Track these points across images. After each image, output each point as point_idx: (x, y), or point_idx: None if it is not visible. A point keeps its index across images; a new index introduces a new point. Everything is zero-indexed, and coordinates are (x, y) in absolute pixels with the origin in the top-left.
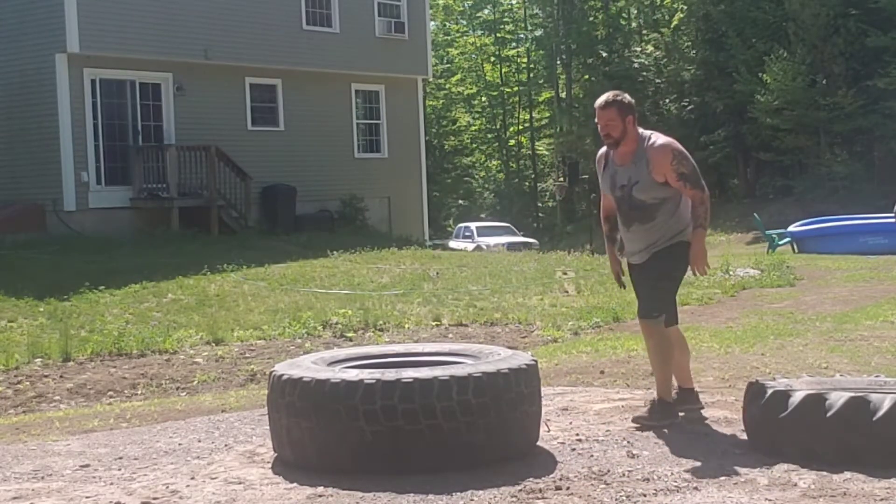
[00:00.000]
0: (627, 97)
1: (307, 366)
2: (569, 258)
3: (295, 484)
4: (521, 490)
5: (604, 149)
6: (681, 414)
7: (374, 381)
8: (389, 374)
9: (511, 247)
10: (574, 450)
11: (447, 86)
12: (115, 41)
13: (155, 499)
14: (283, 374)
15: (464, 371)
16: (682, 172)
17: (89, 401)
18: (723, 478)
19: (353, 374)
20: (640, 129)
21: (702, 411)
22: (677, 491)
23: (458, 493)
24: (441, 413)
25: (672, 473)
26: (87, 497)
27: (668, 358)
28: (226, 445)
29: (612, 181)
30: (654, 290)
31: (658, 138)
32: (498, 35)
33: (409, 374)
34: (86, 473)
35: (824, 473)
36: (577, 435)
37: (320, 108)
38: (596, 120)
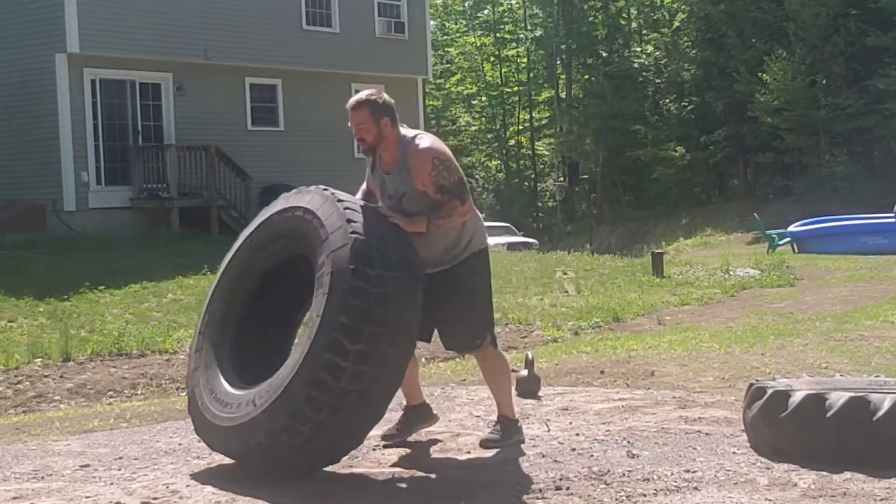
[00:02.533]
0: (384, 97)
1: None
2: (569, 258)
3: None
4: (521, 490)
5: None
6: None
7: None
8: None
9: (511, 247)
10: (574, 450)
11: (447, 86)
12: (115, 41)
13: (155, 499)
14: None
15: None
16: (443, 185)
17: (89, 401)
18: (723, 478)
19: None
20: (405, 131)
21: (522, 445)
22: (677, 491)
23: (459, 493)
24: None
25: (672, 473)
26: (87, 497)
27: (502, 378)
28: None
29: (381, 187)
30: (468, 315)
31: (421, 141)
32: (498, 35)
33: None
34: (86, 473)
35: (824, 473)
36: (577, 435)
37: (320, 108)
38: (349, 123)
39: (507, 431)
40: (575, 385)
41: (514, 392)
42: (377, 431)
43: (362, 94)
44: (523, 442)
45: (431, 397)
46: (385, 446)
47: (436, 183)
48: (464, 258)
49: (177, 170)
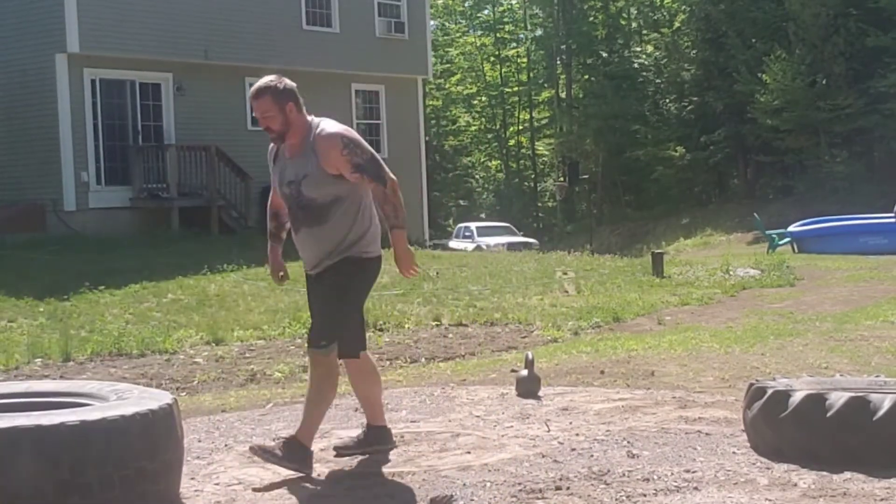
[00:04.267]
0: (286, 82)
1: None
2: (569, 258)
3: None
4: (521, 490)
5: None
6: (365, 455)
7: None
8: None
9: (511, 247)
10: (574, 450)
11: (447, 86)
12: (114, 41)
13: None
14: None
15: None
16: (358, 163)
17: None
18: (723, 478)
19: None
20: (311, 117)
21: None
22: (677, 491)
23: (458, 493)
24: None
25: (672, 473)
26: None
27: (323, 398)
28: (226, 445)
29: (280, 176)
30: (324, 314)
31: (328, 126)
32: (498, 35)
33: None
34: None
35: (824, 473)
36: (577, 435)
37: (320, 108)
38: (253, 113)
39: (367, 438)
40: (575, 385)
41: (378, 394)
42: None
43: (262, 81)
44: (389, 449)
45: (431, 397)
46: (336, 456)
47: (350, 162)
48: (342, 258)
49: (177, 170)
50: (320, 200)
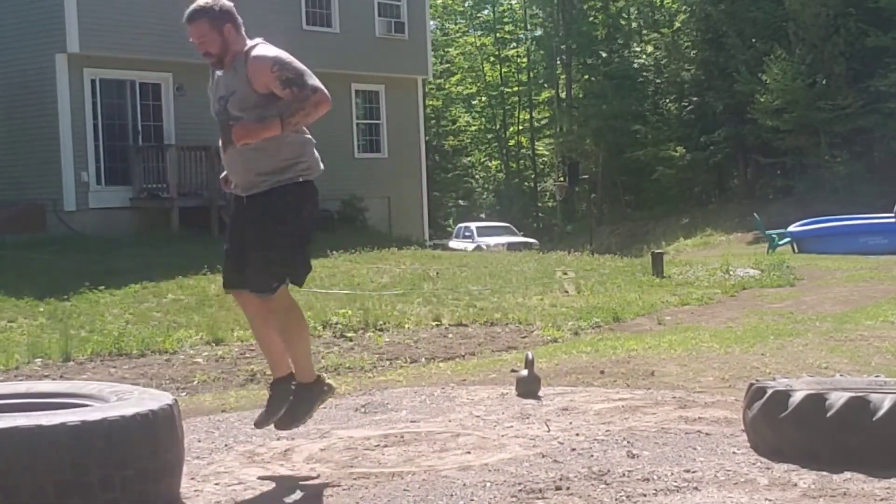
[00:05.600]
0: (222, 2)
1: None
2: (569, 258)
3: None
4: (521, 490)
5: None
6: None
7: None
8: None
9: (511, 247)
10: (574, 450)
11: (447, 86)
12: (114, 41)
13: None
14: None
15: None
16: (288, 78)
17: None
18: (723, 478)
19: None
20: (253, 40)
21: (330, 395)
22: (677, 491)
23: (458, 493)
24: None
25: (672, 473)
26: None
27: (300, 333)
28: (226, 445)
29: (215, 90)
30: (267, 246)
31: (262, 46)
32: (498, 35)
33: None
34: None
35: (824, 473)
36: (577, 435)
37: None
38: (189, 38)
39: (302, 400)
40: (575, 385)
41: (308, 349)
42: (376, 431)
43: (197, 3)
44: (326, 398)
45: (431, 397)
46: (256, 427)
47: (280, 78)
48: (279, 184)
49: (177, 170)
50: (247, 119)
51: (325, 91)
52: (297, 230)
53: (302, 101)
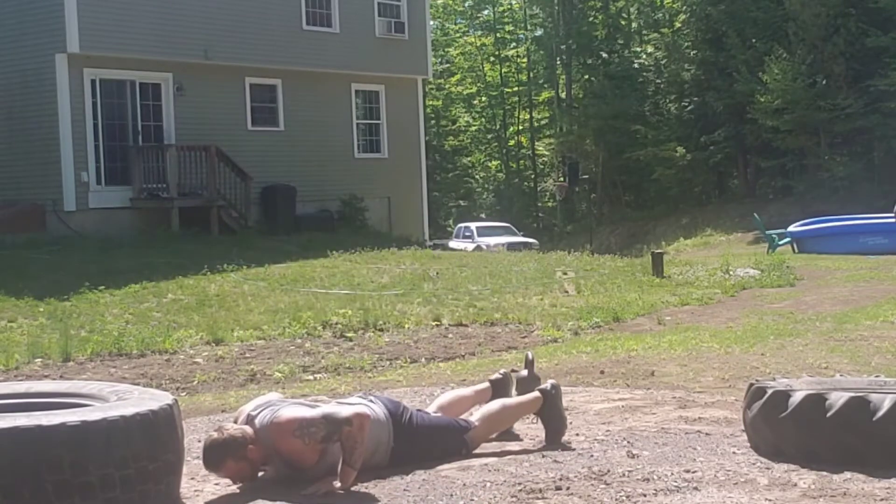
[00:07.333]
0: (227, 432)
1: None
2: (569, 258)
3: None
4: (521, 490)
5: None
6: None
7: None
8: None
9: (511, 247)
10: (574, 450)
11: (447, 86)
12: (115, 41)
13: None
14: None
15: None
16: (322, 436)
17: None
18: (723, 478)
19: None
20: (256, 424)
21: None
22: (677, 491)
23: (458, 493)
24: None
25: (672, 473)
26: None
27: None
28: None
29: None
30: (439, 438)
31: (270, 423)
32: (498, 35)
33: None
34: None
35: (824, 473)
36: (577, 435)
37: (320, 108)
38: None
39: None
40: (575, 385)
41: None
42: None
43: (209, 450)
44: None
45: (431, 397)
46: None
47: (316, 439)
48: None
49: (177, 170)
50: (319, 472)
51: (355, 412)
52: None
53: (349, 437)
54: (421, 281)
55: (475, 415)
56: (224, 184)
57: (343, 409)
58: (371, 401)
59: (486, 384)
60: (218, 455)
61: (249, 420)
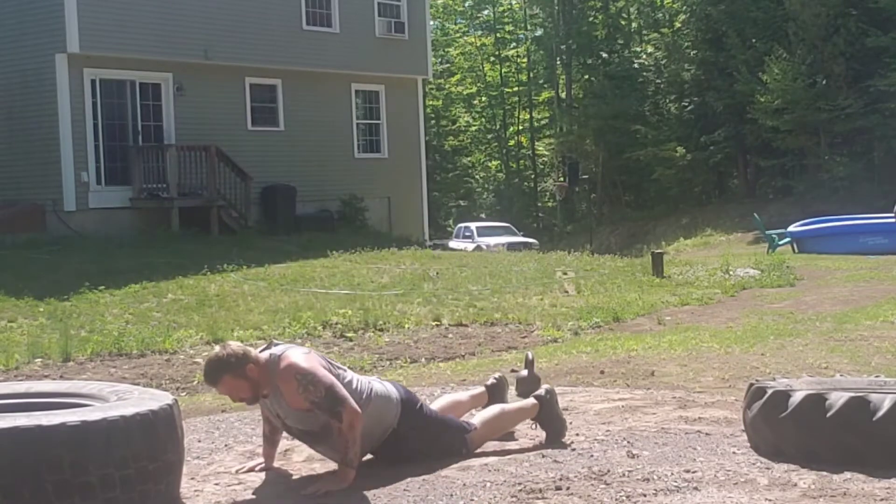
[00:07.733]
0: (230, 348)
1: None
2: (569, 258)
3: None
4: (521, 490)
5: None
6: None
7: None
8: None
9: (511, 247)
10: (574, 450)
11: (447, 86)
12: (115, 41)
13: None
14: None
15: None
16: (314, 401)
17: None
18: (723, 478)
19: None
20: (268, 354)
21: None
22: (677, 491)
23: (458, 493)
24: None
25: (672, 473)
26: None
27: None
28: (226, 445)
29: (270, 408)
30: (434, 443)
31: (282, 361)
32: (498, 35)
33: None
34: None
35: (824, 473)
36: (577, 435)
37: (320, 108)
38: (218, 392)
39: None
40: (575, 385)
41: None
42: None
43: (211, 363)
44: None
45: (431, 397)
46: None
47: (308, 400)
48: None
49: (177, 170)
50: (313, 428)
51: (349, 406)
52: (431, 428)
53: (341, 435)
54: (421, 281)
55: (474, 419)
56: (224, 184)
57: (347, 397)
58: (385, 383)
59: (482, 389)
60: (216, 369)
61: (269, 346)
